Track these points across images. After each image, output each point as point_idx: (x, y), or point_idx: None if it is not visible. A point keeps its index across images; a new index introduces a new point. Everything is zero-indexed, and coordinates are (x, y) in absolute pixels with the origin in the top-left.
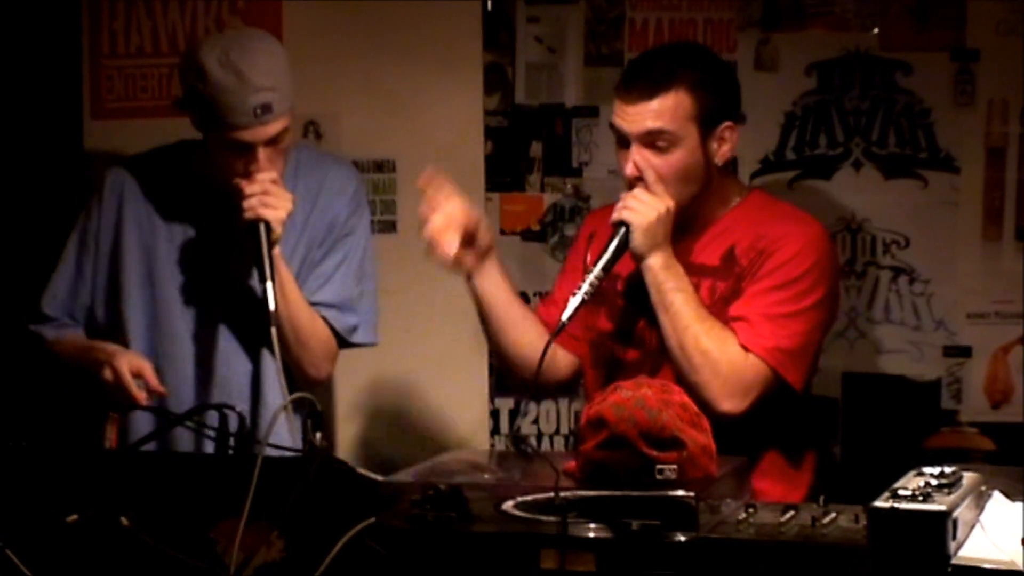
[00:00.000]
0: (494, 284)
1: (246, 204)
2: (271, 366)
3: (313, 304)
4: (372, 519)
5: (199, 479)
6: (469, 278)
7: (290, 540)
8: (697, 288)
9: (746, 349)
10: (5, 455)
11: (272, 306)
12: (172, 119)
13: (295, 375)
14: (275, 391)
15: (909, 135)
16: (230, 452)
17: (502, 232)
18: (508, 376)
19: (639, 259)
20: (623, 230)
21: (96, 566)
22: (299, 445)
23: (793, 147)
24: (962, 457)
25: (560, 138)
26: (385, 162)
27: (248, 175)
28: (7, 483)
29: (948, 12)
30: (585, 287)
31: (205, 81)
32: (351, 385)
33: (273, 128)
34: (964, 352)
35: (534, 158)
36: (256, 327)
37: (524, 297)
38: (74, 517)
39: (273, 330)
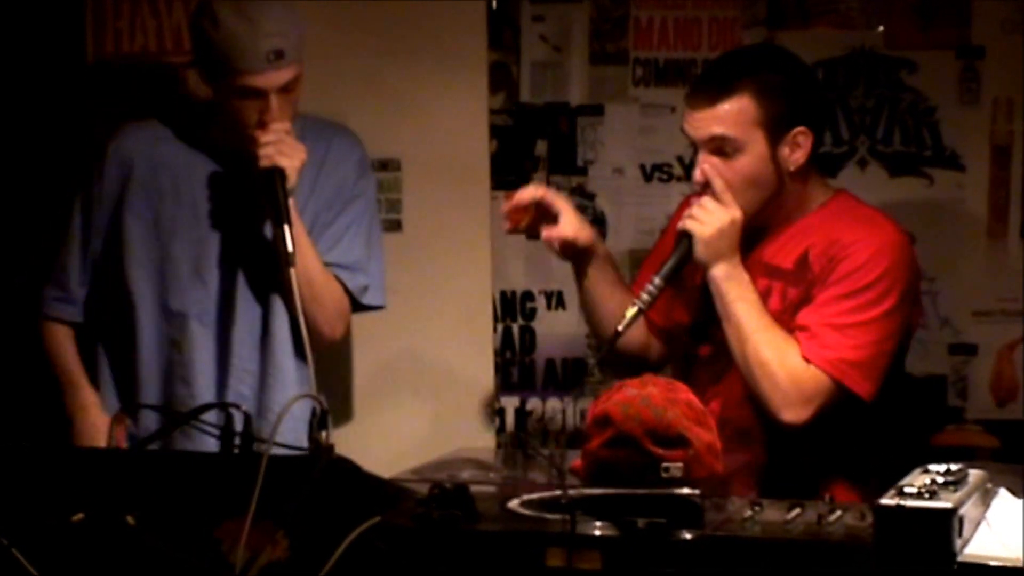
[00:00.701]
0: (597, 276)
1: (261, 152)
2: (282, 322)
3: (325, 264)
4: (378, 518)
5: (204, 478)
6: (576, 268)
7: (295, 539)
8: (768, 292)
9: (807, 360)
10: (10, 454)
11: (290, 247)
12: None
13: (310, 334)
14: (285, 348)
15: (914, 133)
16: (235, 451)
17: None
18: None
19: (704, 269)
20: (686, 241)
21: (101, 565)
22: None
23: None
24: (968, 455)
25: (565, 137)
26: (390, 161)
27: (261, 124)
28: (13, 482)
29: (953, 10)
30: (644, 296)
31: (217, 27)
32: (356, 383)
33: (285, 74)
34: (970, 350)
35: (539, 157)
36: (268, 282)
37: (529, 295)
38: (79, 516)
39: (292, 271)
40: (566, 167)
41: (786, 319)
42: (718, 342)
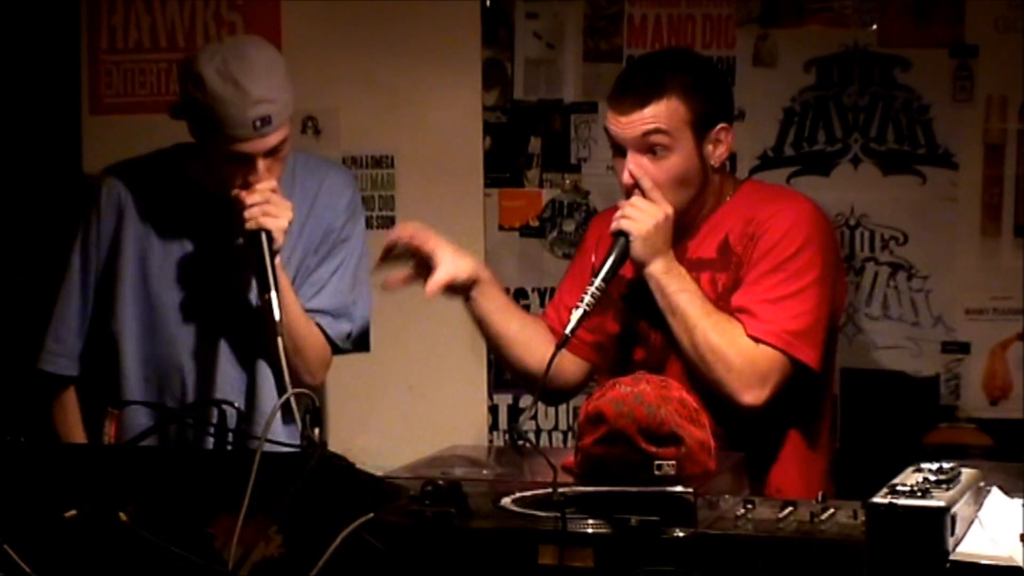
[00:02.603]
0: (488, 306)
1: (247, 214)
2: (266, 374)
3: (308, 311)
4: (371, 515)
5: (197, 474)
6: (465, 301)
7: (288, 535)
8: (697, 283)
9: (755, 339)
10: (3, 451)
11: (277, 316)
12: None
13: (291, 382)
14: (270, 400)
15: (908, 131)
16: (228, 447)
17: (501, 228)
18: (521, 385)
19: (641, 267)
20: (623, 240)
21: (95, 562)
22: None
23: (792, 143)
24: (960, 453)
25: (559, 134)
26: (384, 157)
27: (247, 185)
28: (5, 479)
29: (947, 8)
30: (587, 299)
31: (204, 92)
32: (349, 381)
33: (273, 139)
34: (963, 348)
35: (533, 154)
36: (251, 336)
37: (523, 293)
38: (72, 513)
39: (279, 340)
40: (560, 164)
41: (723, 306)
42: (650, 344)
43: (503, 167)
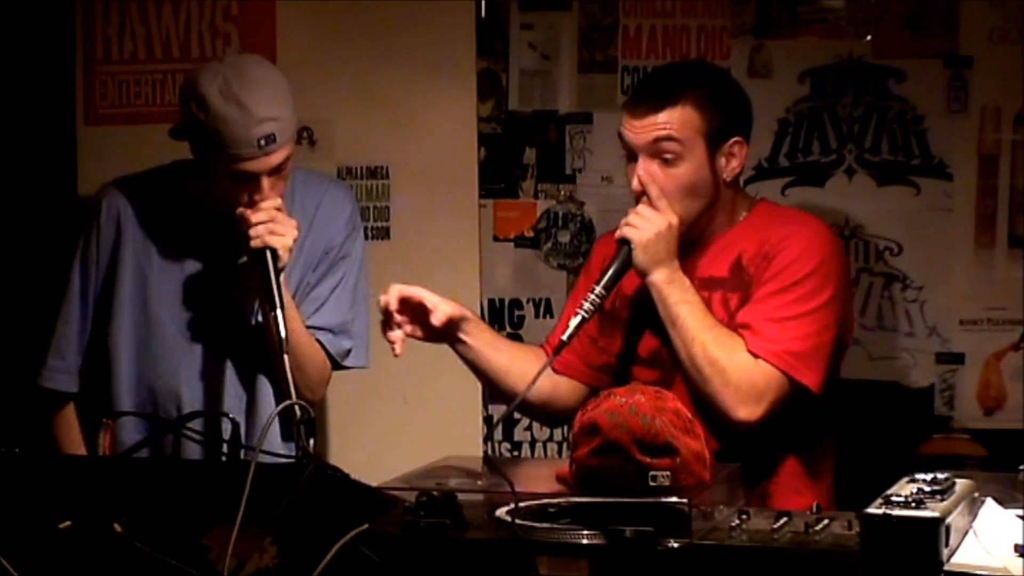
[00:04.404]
0: (478, 342)
1: (253, 232)
2: (265, 392)
3: (308, 327)
4: (365, 525)
5: (192, 485)
6: (455, 344)
7: (283, 547)
8: (709, 302)
9: (755, 355)
10: None
11: (283, 334)
12: (165, 125)
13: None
14: (268, 408)
15: (902, 142)
16: (223, 458)
17: (495, 239)
18: (523, 414)
19: (643, 275)
20: (625, 247)
21: (89, 573)
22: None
23: (786, 154)
24: (955, 464)
25: (554, 145)
26: (379, 168)
27: (251, 203)
28: (1, 490)
29: (941, 19)
30: (586, 305)
31: (207, 112)
32: (344, 392)
33: (277, 158)
34: (957, 359)
35: (528, 164)
36: (250, 354)
37: (517, 303)
38: (67, 523)
39: (285, 358)
40: (554, 175)
41: (733, 325)
42: (661, 363)
43: (498, 178)
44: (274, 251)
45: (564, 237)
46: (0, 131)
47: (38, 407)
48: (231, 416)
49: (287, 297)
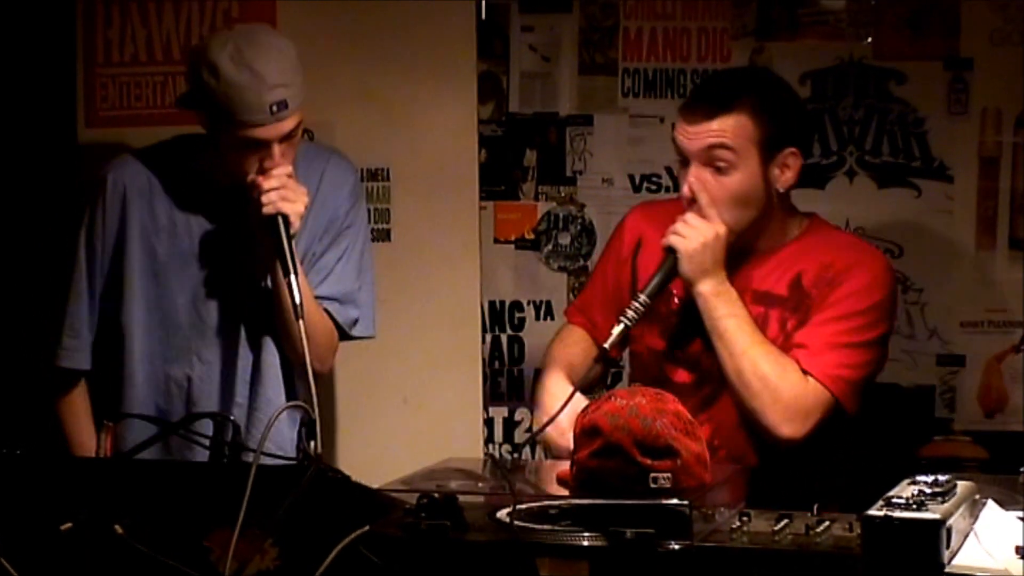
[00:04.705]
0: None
1: (265, 199)
2: (273, 358)
3: (315, 297)
4: (366, 527)
5: (193, 487)
6: None
7: (284, 548)
8: (765, 318)
9: (807, 374)
10: (0, 463)
11: (298, 299)
12: (166, 127)
13: (298, 369)
14: (274, 386)
15: (903, 144)
16: (224, 460)
17: (496, 241)
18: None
19: (689, 285)
20: (671, 256)
21: (90, 574)
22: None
23: None
24: (956, 466)
25: (554, 147)
26: (379, 170)
27: (262, 171)
28: (1, 491)
29: (942, 21)
30: (630, 313)
31: (219, 79)
32: (345, 394)
33: (288, 124)
34: (958, 361)
35: (528, 167)
36: (259, 320)
37: (518, 305)
38: (68, 525)
39: (300, 323)
40: (555, 177)
41: (787, 346)
42: (700, 368)
43: (498, 180)
44: (286, 217)
45: (565, 239)
46: (1, 133)
47: (50, 389)
48: (232, 418)
49: (299, 266)
